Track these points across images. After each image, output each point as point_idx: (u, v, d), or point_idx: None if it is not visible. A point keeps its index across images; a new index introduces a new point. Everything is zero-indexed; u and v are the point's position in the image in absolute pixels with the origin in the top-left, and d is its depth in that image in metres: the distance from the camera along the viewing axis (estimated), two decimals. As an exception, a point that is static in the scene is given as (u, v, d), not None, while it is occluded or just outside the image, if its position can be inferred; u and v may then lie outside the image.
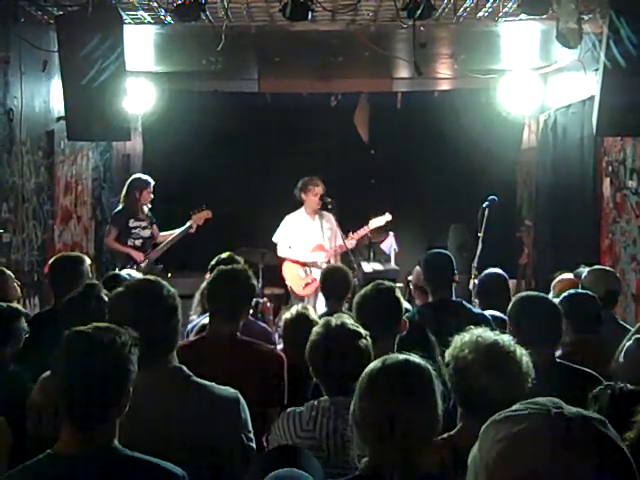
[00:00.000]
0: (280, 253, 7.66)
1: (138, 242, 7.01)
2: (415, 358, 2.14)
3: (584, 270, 4.74)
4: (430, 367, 2.13)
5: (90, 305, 3.31)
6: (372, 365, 2.15)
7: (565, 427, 1.17)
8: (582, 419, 1.19)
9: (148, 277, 2.81)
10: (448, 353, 2.43)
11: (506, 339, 2.41)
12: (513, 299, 3.51)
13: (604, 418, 1.22)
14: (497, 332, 2.45)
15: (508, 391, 2.29)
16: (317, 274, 7.42)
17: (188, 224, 7.21)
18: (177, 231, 7.21)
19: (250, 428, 2.74)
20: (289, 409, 2.91)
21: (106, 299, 3.32)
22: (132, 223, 6.99)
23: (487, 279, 5.16)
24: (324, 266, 7.11)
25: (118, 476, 2.07)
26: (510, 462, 1.18)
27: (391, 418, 2.01)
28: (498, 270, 5.25)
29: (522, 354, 2.38)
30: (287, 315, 4.04)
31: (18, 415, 3.08)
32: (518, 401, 2.23)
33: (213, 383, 2.67)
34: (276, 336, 4.72)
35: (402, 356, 2.14)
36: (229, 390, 2.69)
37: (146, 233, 7.07)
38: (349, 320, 2.95)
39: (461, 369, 2.35)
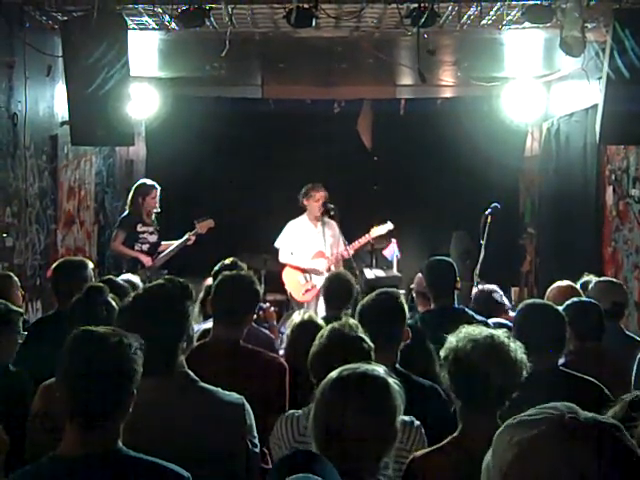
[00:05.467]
0: (281, 259, 7.67)
1: (145, 247, 7.02)
2: (375, 370, 2.15)
3: (591, 281, 4.72)
4: (390, 379, 2.13)
5: (97, 308, 3.30)
6: (330, 375, 2.16)
7: (579, 432, 1.17)
8: (595, 424, 1.20)
9: (162, 282, 2.79)
10: (446, 348, 2.47)
11: (500, 333, 2.46)
12: (519, 306, 3.52)
13: (619, 423, 1.23)
14: (493, 329, 2.51)
15: (507, 377, 2.36)
16: (317, 281, 7.43)
17: (186, 236, 7.19)
18: (176, 243, 7.21)
19: (255, 434, 2.74)
20: (287, 413, 2.91)
21: (113, 303, 3.32)
22: (140, 228, 7.01)
23: (480, 295, 5.17)
24: (325, 274, 7.11)
25: (122, 477, 2.07)
26: (524, 467, 1.19)
27: (338, 430, 2.02)
28: (492, 286, 5.25)
29: (517, 346, 2.44)
30: (295, 319, 4.02)
31: (19, 417, 3.07)
32: (515, 390, 2.29)
33: (219, 389, 2.67)
34: (278, 342, 4.71)
35: (362, 367, 2.15)
36: (234, 396, 2.69)
37: (153, 238, 7.08)
38: (354, 327, 2.93)
39: (461, 358, 2.40)
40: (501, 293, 5.29)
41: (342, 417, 2.03)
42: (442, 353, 2.48)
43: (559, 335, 3.30)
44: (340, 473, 2.01)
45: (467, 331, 2.46)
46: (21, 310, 3.73)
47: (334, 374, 2.13)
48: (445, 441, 2.42)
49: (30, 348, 3.66)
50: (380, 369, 2.16)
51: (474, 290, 6.46)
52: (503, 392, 2.36)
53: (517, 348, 2.42)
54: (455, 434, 2.41)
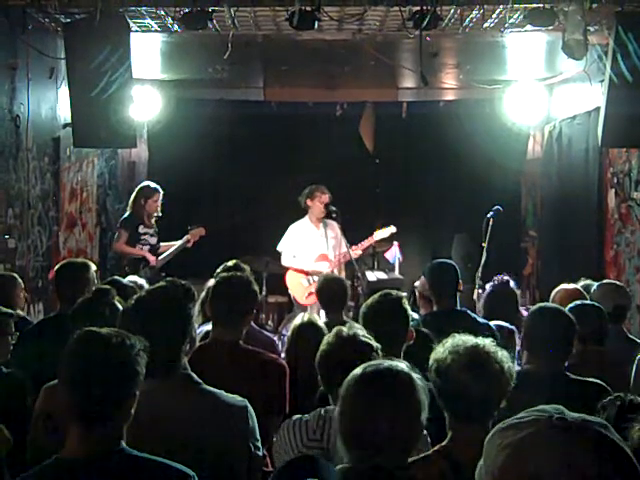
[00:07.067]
0: (284, 262, 7.65)
1: (146, 248, 7.02)
2: (399, 365, 2.14)
3: (593, 284, 4.73)
4: (414, 374, 2.13)
5: (102, 310, 3.31)
6: (355, 371, 2.15)
7: (567, 431, 1.19)
8: (583, 423, 1.22)
9: (164, 284, 2.79)
10: (431, 358, 2.46)
11: (488, 342, 2.44)
12: (530, 309, 3.53)
13: (605, 422, 1.25)
14: (480, 337, 2.48)
15: (490, 389, 2.34)
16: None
17: (185, 238, 7.22)
18: (176, 244, 7.22)
19: (257, 436, 2.74)
20: (294, 417, 2.90)
21: (118, 305, 3.32)
22: (141, 229, 7.01)
23: (494, 289, 5.14)
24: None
25: (127, 477, 2.07)
26: (515, 467, 1.20)
27: (365, 427, 2.02)
28: (506, 280, 5.22)
29: (504, 356, 2.42)
30: (296, 321, 4.03)
31: (16, 418, 3.07)
32: (501, 400, 2.30)
33: (222, 391, 2.68)
34: (280, 344, 4.70)
35: (385, 363, 2.15)
36: (237, 398, 2.70)
37: (153, 240, 7.09)
38: (361, 331, 2.94)
39: (442, 371, 2.39)
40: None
41: (370, 413, 2.03)
42: (430, 362, 2.48)
43: (568, 340, 3.30)
44: (370, 469, 2.01)
45: (452, 342, 2.45)
46: (10, 311, 3.72)
47: (358, 371, 2.13)
48: (432, 449, 2.41)
49: (31, 349, 3.66)
50: (402, 364, 2.16)
51: (475, 293, 6.48)
52: (487, 403, 2.35)
53: (503, 358, 2.40)
54: (443, 443, 2.40)
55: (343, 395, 2.12)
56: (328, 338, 2.89)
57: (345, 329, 2.90)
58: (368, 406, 2.04)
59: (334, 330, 2.94)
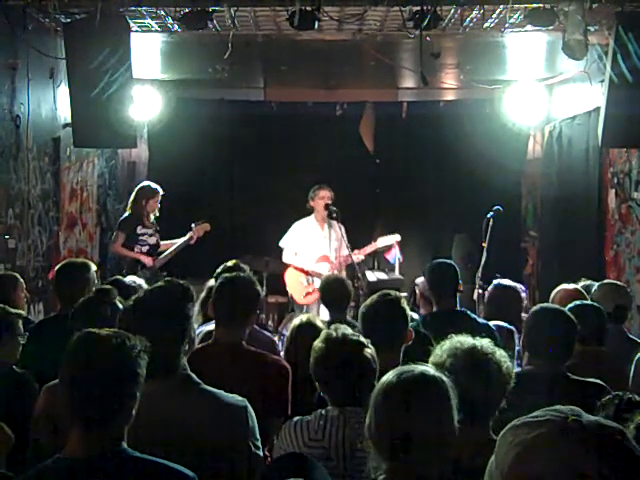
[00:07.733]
0: (285, 259, 7.64)
1: (144, 249, 7.01)
2: (431, 370, 2.14)
3: (593, 284, 4.73)
4: (446, 379, 2.12)
5: (103, 310, 3.30)
6: (387, 378, 2.13)
7: (581, 434, 1.17)
8: (599, 427, 1.19)
9: (163, 284, 2.79)
10: (430, 361, 2.46)
11: (486, 343, 2.45)
12: (531, 310, 3.53)
13: (622, 427, 1.22)
14: (478, 338, 2.49)
15: (489, 389, 2.36)
16: (319, 284, 7.41)
17: (188, 235, 7.20)
18: (178, 241, 7.21)
19: (257, 436, 2.74)
20: (295, 418, 2.89)
21: (119, 305, 3.32)
22: (140, 230, 7.00)
23: (496, 291, 5.15)
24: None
25: (128, 478, 2.07)
26: (525, 467, 1.18)
27: (407, 433, 2.00)
28: (509, 282, 5.23)
29: (502, 356, 2.43)
30: (295, 321, 4.04)
31: (25, 417, 3.07)
32: (501, 400, 2.30)
33: (221, 391, 2.67)
34: (280, 344, 4.70)
35: (418, 369, 2.12)
36: (237, 397, 2.70)
37: (152, 240, 7.08)
38: (349, 330, 2.94)
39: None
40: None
41: (408, 421, 2.01)
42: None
43: (568, 341, 3.31)
44: (414, 478, 2.00)
45: (450, 343, 2.46)
46: (20, 312, 3.72)
47: (392, 378, 2.10)
48: None
49: (31, 350, 3.66)
50: (431, 369, 2.15)
51: (475, 293, 6.47)
52: (487, 404, 2.36)
53: (502, 358, 2.42)
54: None
55: (377, 403, 2.09)
56: (318, 344, 2.88)
57: (333, 331, 2.90)
58: (406, 414, 2.02)
59: (322, 335, 2.94)
